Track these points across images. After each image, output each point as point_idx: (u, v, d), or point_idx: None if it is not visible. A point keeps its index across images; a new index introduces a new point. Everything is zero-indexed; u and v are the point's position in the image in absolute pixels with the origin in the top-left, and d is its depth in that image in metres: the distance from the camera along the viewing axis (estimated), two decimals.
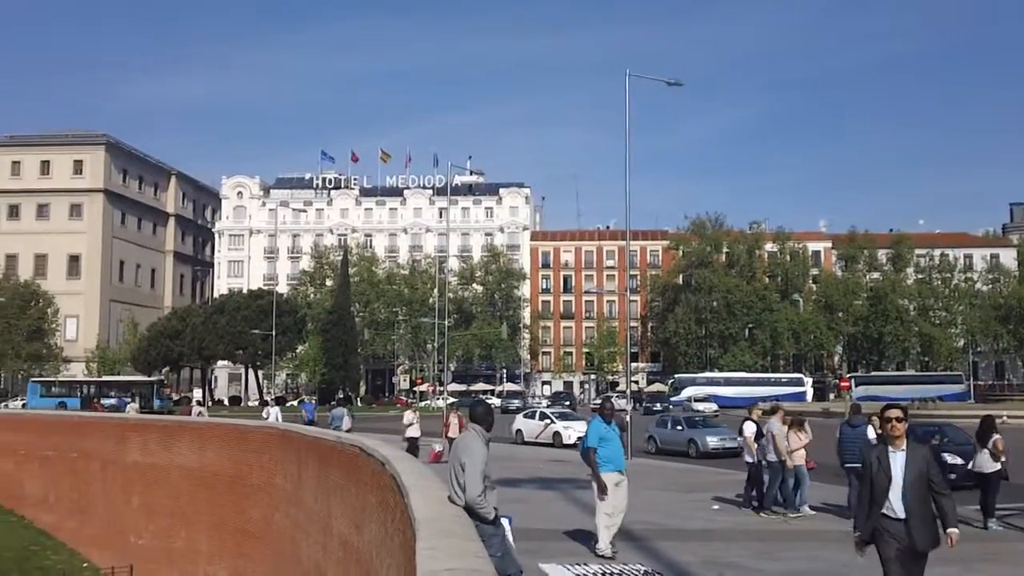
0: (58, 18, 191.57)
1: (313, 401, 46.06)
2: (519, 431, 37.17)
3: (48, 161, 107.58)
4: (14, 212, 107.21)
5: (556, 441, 34.05)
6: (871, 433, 14.79)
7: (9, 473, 32.17)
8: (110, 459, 27.13)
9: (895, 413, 6.87)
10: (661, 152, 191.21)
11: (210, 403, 78.50)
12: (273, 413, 30.46)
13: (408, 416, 27.36)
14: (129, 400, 62.05)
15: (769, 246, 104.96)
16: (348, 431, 21.31)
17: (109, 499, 26.81)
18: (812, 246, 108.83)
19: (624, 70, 28.62)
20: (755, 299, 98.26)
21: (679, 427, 32.17)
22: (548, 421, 35.80)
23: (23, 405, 75.55)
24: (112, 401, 69.65)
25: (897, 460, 6.78)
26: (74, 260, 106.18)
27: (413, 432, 26.33)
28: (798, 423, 16.18)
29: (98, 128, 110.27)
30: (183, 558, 22.47)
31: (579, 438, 21.92)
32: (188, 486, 22.49)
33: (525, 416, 38.84)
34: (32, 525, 29.53)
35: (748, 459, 16.63)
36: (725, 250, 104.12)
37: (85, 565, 26.20)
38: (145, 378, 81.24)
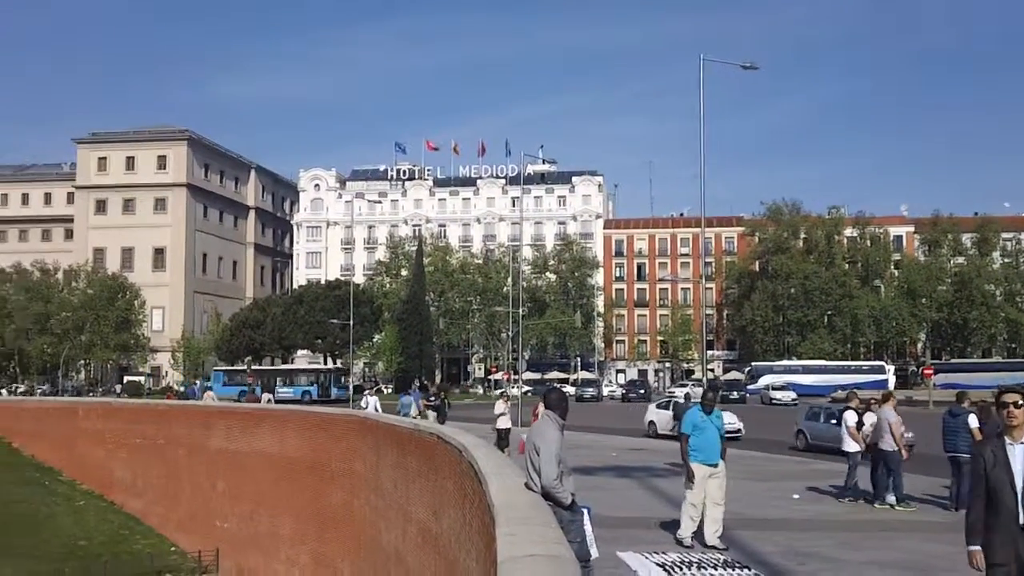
0: (140, 17, 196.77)
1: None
2: (651, 423, 34.15)
3: (133, 157, 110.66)
4: (101, 207, 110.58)
5: None
6: (973, 422, 14.45)
7: (100, 460, 33.18)
8: (196, 446, 27.84)
9: (1013, 398, 5.75)
10: (735, 138, 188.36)
11: None
12: (372, 402, 29.30)
13: (499, 406, 25.59)
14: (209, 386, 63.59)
15: (849, 231, 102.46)
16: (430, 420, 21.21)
17: (195, 485, 27.52)
18: (893, 231, 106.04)
19: (697, 55, 28.15)
20: (834, 285, 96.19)
21: (833, 420, 27.34)
22: None
23: (119, 393, 78.11)
24: (181, 388, 71.74)
25: (1016, 454, 5.70)
26: (159, 253, 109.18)
27: (504, 423, 24.74)
28: None
29: (180, 124, 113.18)
30: (267, 542, 22.99)
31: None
32: (271, 472, 22.96)
33: (658, 407, 35.64)
34: (122, 510, 30.41)
35: (849, 449, 16.22)
36: (803, 235, 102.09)
37: (173, 549, 26.93)
38: (324, 366, 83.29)
